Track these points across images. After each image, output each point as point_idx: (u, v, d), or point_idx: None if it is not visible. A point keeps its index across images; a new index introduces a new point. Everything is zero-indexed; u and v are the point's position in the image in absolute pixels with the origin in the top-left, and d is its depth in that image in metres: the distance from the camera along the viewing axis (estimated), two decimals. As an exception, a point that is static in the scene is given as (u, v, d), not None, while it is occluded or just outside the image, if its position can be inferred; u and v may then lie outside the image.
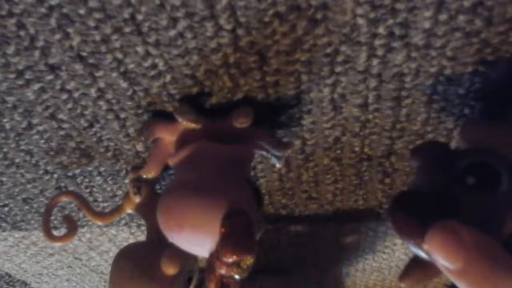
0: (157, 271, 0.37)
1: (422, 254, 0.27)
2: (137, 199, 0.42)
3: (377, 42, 0.30)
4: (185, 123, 0.34)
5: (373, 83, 0.33)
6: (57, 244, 0.51)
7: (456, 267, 0.23)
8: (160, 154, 0.38)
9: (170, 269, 0.37)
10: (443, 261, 0.23)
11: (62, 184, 0.46)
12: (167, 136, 0.36)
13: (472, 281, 0.22)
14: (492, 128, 0.32)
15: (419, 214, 0.27)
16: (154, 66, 0.32)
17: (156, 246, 0.39)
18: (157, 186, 0.45)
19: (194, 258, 0.40)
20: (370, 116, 0.37)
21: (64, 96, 0.35)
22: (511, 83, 0.32)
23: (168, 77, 0.33)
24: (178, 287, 0.38)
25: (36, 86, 0.34)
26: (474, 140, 0.32)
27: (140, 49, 0.31)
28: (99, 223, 0.44)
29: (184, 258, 0.38)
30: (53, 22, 0.29)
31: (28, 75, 0.33)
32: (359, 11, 0.28)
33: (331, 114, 0.36)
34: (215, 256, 0.29)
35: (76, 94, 0.35)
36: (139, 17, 0.29)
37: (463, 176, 0.28)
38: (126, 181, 0.44)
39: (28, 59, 0.32)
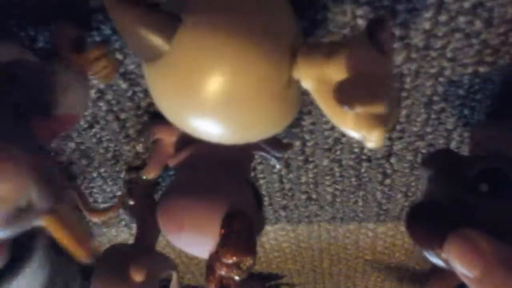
0: (128, 277, 0.37)
1: (441, 263, 0.28)
2: (130, 201, 0.42)
3: (377, 43, 0.30)
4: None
5: (373, 84, 0.33)
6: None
7: (474, 275, 0.23)
8: (160, 155, 0.38)
9: (137, 276, 0.37)
10: (461, 269, 0.24)
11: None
12: (167, 137, 0.36)
13: None
14: (502, 130, 0.32)
15: (436, 224, 0.27)
16: (154, 67, 0.32)
17: (139, 249, 0.39)
18: (154, 188, 0.45)
19: (169, 266, 0.40)
20: (370, 117, 0.37)
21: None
22: None
23: (168, 78, 0.33)
24: None
25: (36, 87, 0.34)
26: (484, 143, 0.32)
27: (140, 50, 0.31)
28: (94, 219, 0.43)
29: (153, 265, 0.38)
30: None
31: (28, 76, 0.33)
32: (359, 12, 0.28)
33: (331, 115, 0.36)
34: (215, 257, 0.29)
35: (76, 95, 0.35)
36: (139, 18, 0.29)
37: (476, 183, 0.28)
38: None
39: (28, 60, 0.32)
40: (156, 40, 0.22)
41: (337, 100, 0.21)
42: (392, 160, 0.41)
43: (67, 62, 0.27)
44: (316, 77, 0.22)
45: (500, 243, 0.23)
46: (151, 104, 0.36)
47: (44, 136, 0.26)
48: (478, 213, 0.27)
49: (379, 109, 0.21)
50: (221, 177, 0.32)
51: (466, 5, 0.28)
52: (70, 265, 0.55)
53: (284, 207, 0.49)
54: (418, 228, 0.29)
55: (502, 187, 0.28)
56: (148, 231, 0.40)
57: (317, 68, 0.22)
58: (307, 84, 0.23)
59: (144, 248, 0.39)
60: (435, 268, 0.30)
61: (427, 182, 0.32)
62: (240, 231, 0.29)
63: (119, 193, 0.47)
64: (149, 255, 0.36)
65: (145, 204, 0.41)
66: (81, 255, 0.26)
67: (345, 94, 0.21)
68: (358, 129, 0.22)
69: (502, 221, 0.26)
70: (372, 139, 0.22)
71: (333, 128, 0.38)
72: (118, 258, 0.39)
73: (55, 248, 0.49)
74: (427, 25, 0.29)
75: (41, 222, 0.24)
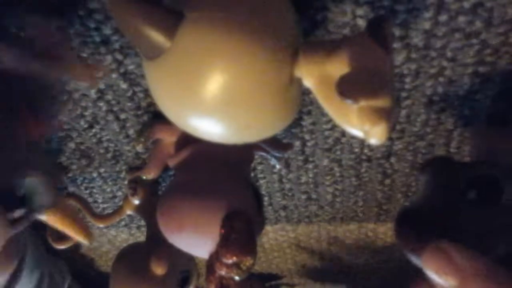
0: (149, 272, 0.37)
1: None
2: (135, 200, 0.42)
3: (377, 43, 0.30)
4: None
5: (373, 84, 0.33)
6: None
7: (451, 285, 0.23)
8: (160, 155, 0.38)
9: (158, 270, 0.37)
10: (438, 280, 0.24)
11: (62, 185, 0.46)
12: (167, 137, 0.36)
13: None
14: (502, 133, 0.32)
15: (422, 230, 0.28)
16: (154, 67, 0.32)
17: (153, 246, 0.39)
18: (158, 187, 0.45)
19: (187, 257, 0.40)
20: (370, 117, 0.37)
21: (64, 97, 0.35)
22: None
23: (168, 78, 0.33)
24: (169, 287, 0.38)
25: (36, 87, 0.34)
26: (484, 146, 0.32)
27: (140, 50, 0.31)
28: (101, 225, 0.44)
29: (173, 258, 0.38)
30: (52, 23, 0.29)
31: (28, 76, 0.33)
32: (359, 12, 0.28)
33: (331, 115, 0.36)
34: (215, 257, 0.29)
35: (76, 95, 0.35)
36: (139, 18, 0.29)
37: (467, 190, 0.28)
38: (126, 182, 0.44)
39: (28, 60, 0.32)
40: (158, 37, 0.22)
41: (340, 94, 0.20)
42: (392, 160, 0.41)
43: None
44: (318, 75, 0.22)
45: (475, 254, 0.23)
46: (151, 104, 0.36)
47: (33, 137, 0.27)
48: (462, 220, 0.27)
49: (383, 102, 0.20)
50: (221, 177, 0.32)
51: (466, 5, 0.28)
52: (59, 263, 0.55)
53: (284, 207, 0.49)
54: (401, 234, 0.29)
55: (491, 195, 0.28)
56: (158, 228, 0.40)
57: (319, 65, 0.22)
58: (308, 82, 0.23)
59: (159, 243, 0.39)
60: (422, 276, 0.30)
61: (423, 187, 0.32)
62: (240, 231, 0.29)
63: (119, 193, 0.47)
64: (167, 248, 0.36)
65: (151, 203, 0.41)
66: (85, 237, 0.27)
67: (348, 88, 0.20)
68: (361, 124, 0.21)
69: (482, 228, 0.27)
70: (376, 134, 0.21)
71: (333, 128, 0.38)
72: (136, 255, 0.39)
73: (46, 248, 0.49)
74: (427, 25, 0.29)
75: (43, 216, 0.25)
